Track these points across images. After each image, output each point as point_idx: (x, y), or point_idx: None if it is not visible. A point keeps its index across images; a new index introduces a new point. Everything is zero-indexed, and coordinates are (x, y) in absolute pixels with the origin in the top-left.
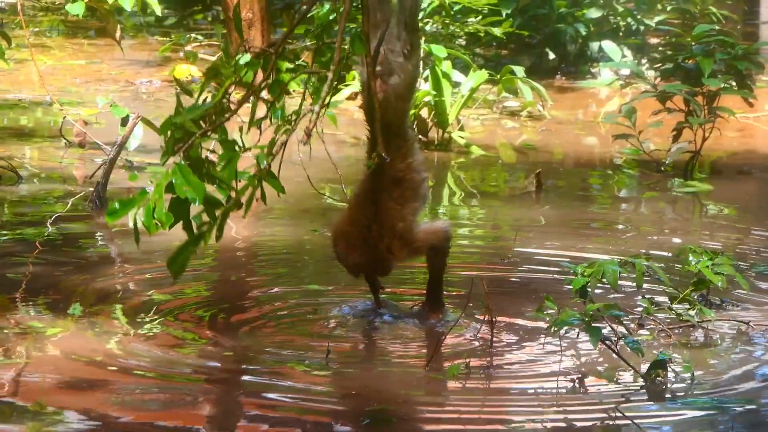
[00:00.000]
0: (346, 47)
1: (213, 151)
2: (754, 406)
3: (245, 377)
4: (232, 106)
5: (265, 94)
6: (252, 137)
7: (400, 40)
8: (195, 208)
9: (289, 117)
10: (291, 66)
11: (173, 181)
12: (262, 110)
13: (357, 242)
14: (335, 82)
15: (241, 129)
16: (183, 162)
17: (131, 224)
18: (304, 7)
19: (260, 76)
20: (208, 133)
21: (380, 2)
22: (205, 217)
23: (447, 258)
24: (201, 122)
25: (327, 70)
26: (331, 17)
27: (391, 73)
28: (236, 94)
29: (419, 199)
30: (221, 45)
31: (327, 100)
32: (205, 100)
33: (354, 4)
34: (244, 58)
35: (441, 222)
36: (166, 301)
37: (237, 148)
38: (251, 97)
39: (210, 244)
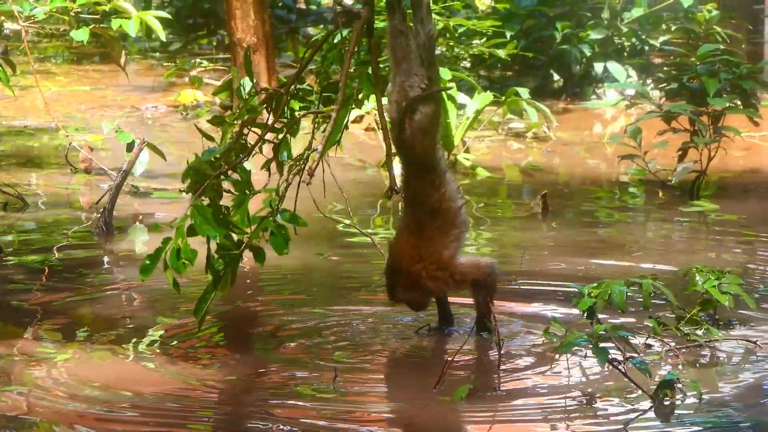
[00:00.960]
0: (354, 85)
1: (228, 191)
2: (762, 426)
3: (252, 399)
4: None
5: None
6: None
7: (419, 76)
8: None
9: (297, 158)
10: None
11: (193, 222)
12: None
13: (406, 274)
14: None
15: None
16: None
17: (167, 277)
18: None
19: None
20: (224, 175)
21: (398, 40)
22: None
23: (493, 295)
24: (218, 163)
25: (332, 109)
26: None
27: (414, 111)
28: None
29: (459, 226)
30: (227, 76)
31: (336, 137)
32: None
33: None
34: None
35: (487, 259)
36: (172, 326)
37: (247, 191)
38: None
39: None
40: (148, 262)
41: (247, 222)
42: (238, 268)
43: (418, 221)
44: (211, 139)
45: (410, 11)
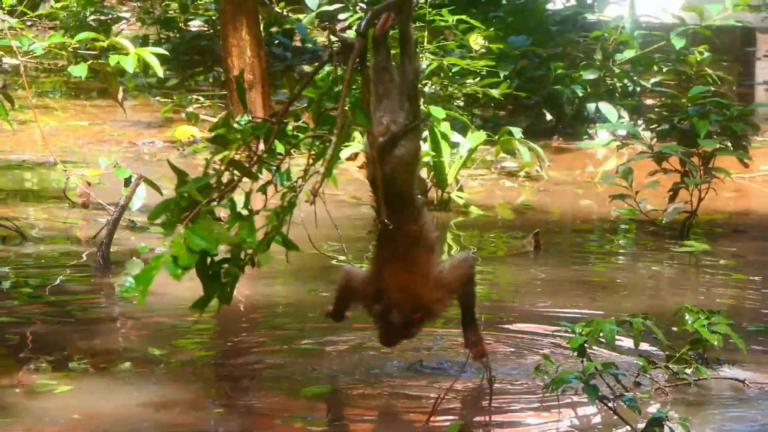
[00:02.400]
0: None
1: (219, 219)
2: None
3: (244, 428)
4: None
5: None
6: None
7: (403, 111)
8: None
9: (295, 182)
10: (294, 131)
11: (185, 240)
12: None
13: (412, 306)
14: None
15: (248, 193)
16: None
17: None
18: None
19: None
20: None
21: (381, 76)
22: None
23: (475, 286)
24: (207, 191)
25: (330, 134)
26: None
27: (395, 145)
28: (240, 156)
29: (438, 252)
30: (224, 112)
31: (332, 162)
32: (205, 170)
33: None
34: (245, 119)
35: (460, 254)
36: (165, 355)
37: (247, 211)
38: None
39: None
40: (130, 280)
41: (253, 236)
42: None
43: (404, 253)
44: (184, 174)
45: (396, 49)
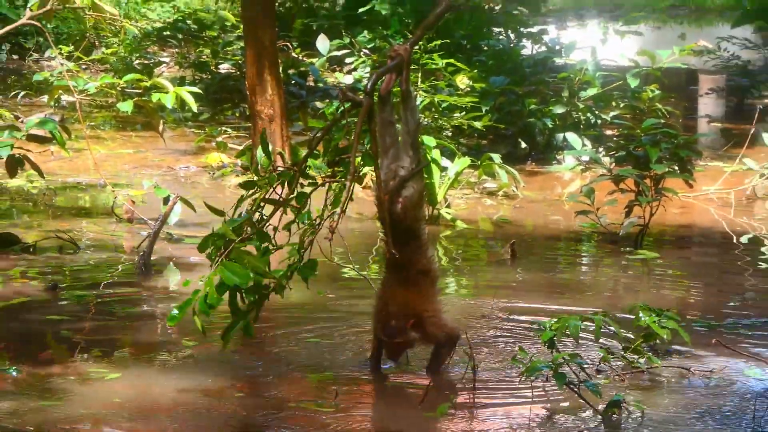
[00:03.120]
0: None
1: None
2: None
3: (265, 413)
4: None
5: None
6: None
7: (408, 157)
8: None
9: (314, 221)
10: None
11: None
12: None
13: (414, 317)
14: (342, 167)
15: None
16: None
17: (196, 322)
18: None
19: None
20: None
21: (387, 128)
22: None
23: (450, 355)
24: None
25: (345, 180)
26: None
27: (404, 187)
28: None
29: (438, 286)
30: (248, 142)
31: (345, 206)
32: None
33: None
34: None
35: (456, 325)
36: (198, 348)
37: (270, 246)
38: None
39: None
40: (176, 311)
41: (268, 269)
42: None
43: (413, 279)
44: (222, 213)
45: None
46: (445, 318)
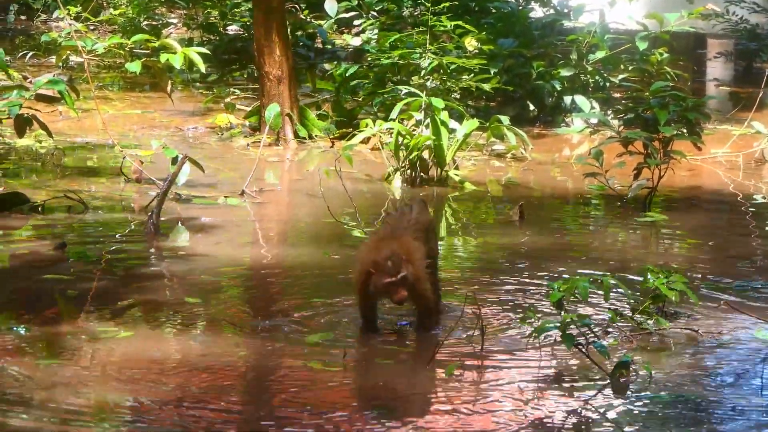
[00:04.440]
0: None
1: None
2: (701, 400)
3: (274, 368)
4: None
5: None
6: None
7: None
8: None
9: None
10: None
11: None
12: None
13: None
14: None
15: None
16: None
17: None
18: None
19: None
20: None
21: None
22: None
23: (431, 328)
24: None
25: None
26: (347, 74)
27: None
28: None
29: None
30: (256, 103)
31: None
32: None
33: None
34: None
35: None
36: (205, 307)
37: None
38: None
39: (243, 261)
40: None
41: None
42: None
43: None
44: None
45: None
46: (435, 291)
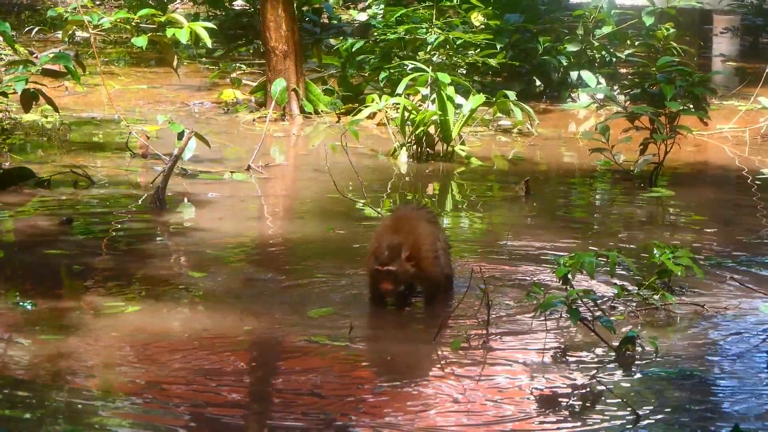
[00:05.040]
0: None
1: None
2: (708, 374)
3: (279, 343)
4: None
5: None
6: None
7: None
8: None
9: None
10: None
11: None
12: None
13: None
14: (357, 103)
15: None
16: None
17: None
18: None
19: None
20: None
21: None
22: None
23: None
24: None
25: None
26: (354, 49)
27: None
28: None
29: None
30: (262, 78)
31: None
32: None
33: None
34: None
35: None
36: (210, 281)
37: None
38: None
39: (247, 236)
40: None
41: None
42: None
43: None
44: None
45: None
46: (444, 261)
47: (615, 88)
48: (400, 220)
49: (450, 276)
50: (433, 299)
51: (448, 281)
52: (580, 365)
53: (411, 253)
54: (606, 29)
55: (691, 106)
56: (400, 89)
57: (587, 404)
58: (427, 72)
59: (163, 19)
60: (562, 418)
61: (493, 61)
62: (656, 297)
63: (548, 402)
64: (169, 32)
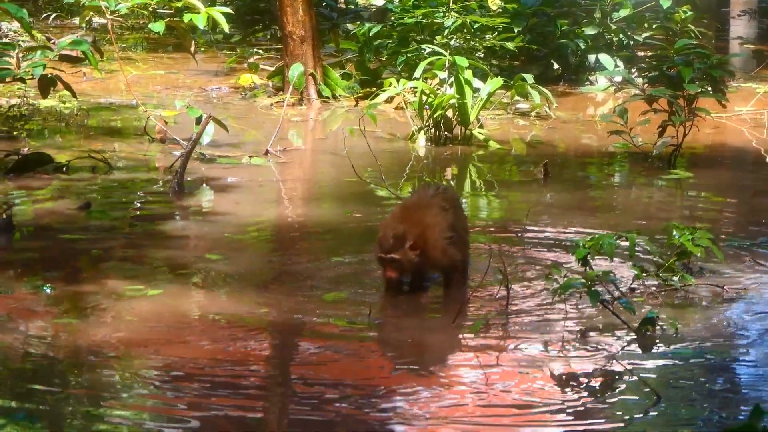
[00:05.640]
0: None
1: None
2: (728, 355)
3: (298, 325)
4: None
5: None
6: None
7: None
8: None
9: None
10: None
11: None
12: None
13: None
14: (374, 87)
15: None
16: None
17: None
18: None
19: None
20: None
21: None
22: None
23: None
24: None
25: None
26: (371, 33)
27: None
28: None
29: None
30: (279, 63)
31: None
32: None
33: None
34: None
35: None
36: (229, 264)
37: None
38: None
39: (266, 220)
40: None
41: None
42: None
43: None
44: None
45: None
46: (460, 247)
47: (633, 70)
48: (410, 208)
49: (465, 261)
50: (450, 284)
51: (463, 266)
52: (600, 347)
53: (416, 242)
54: (623, 12)
55: (710, 88)
56: (417, 73)
57: (607, 385)
58: (445, 56)
59: (180, 4)
60: (582, 399)
61: (510, 45)
62: (675, 278)
63: (569, 383)
64: (187, 17)
